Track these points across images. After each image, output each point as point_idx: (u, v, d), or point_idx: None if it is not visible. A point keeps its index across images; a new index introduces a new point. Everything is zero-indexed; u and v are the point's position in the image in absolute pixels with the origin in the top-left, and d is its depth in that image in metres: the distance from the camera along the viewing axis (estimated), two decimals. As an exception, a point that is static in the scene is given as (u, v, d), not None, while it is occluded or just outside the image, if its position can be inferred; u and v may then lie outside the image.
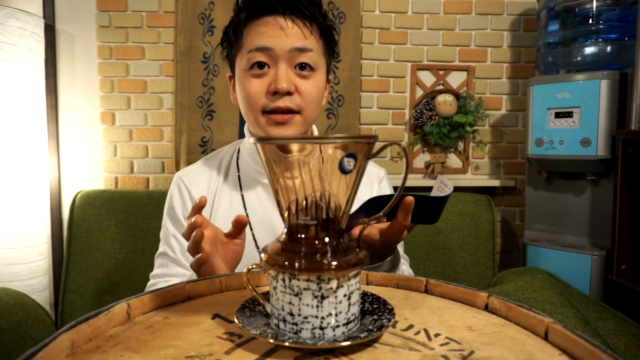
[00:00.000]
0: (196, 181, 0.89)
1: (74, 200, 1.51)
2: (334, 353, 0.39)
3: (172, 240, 0.87)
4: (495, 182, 1.84)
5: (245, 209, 0.85)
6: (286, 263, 0.40)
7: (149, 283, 0.89)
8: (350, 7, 1.79)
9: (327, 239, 0.41)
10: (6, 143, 1.43)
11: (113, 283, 1.43)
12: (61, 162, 1.78)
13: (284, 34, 0.75)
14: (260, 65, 0.76)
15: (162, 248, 0.89)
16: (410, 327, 0.45)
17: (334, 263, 0.39)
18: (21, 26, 1.44)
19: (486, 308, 0.50)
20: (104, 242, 1.46)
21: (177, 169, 1.80)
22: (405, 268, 0.89)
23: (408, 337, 0.43)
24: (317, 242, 0.41)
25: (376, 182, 0.96)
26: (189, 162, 1.70)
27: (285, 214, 0.42)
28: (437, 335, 0.43)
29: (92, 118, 1.80)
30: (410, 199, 0.61)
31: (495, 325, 0.46)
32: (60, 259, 1.69)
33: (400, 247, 0.92)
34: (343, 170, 0.39)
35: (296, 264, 0.39)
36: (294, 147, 0.39)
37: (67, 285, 1.44)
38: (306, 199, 0.40)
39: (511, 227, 1.95)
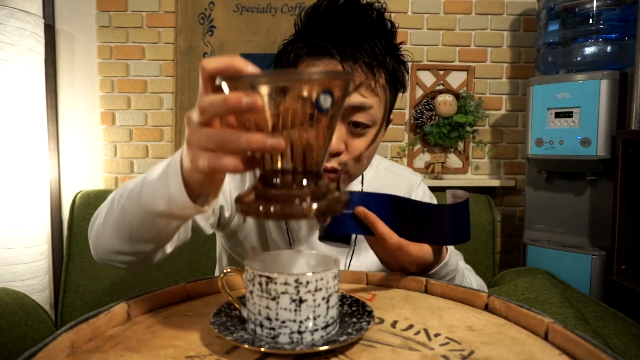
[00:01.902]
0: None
1: (74, 200, 1.51)
2: (334, 353, 0.39)
3: None
4: (495, 182, 1.84)
5: (288, 230, 0.80)
6: (261, 208, 0.37)
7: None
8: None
9: (305, 182, 0.38)
10: (6, 143, 1.43)
11: (113, 283, 1.43)
12: (61, 162, 1.78)
13: None
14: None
15: None
16: (410, 327, 0.45)
17: (314, 206, 0.37)
18: (21, 26, 1.44)
19: (486, 308, 0.50)
20: (104, 242, 1.46)
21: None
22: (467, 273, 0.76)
23: (408, 337, 0.43)
24: (294, 186, 0.38)
25: (413, 189, 0.89)
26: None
27: (258, 157, 0.39)
28: (437, 335, 0.43)
29: (92, 118, 1.80)
30: (361, 209, 0.56)
31: (495, 325, 0.46)
32: (60, 259, 1.69)
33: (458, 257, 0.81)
34: (319, 107, 0.36)
35: (272, 209, 0.36)
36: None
37: (67, 285, 1.43)
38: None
39: (511, 227, 1.95)
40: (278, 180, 0.38)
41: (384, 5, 0.69)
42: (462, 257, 0.84)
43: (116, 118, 1.81)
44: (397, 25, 0.71)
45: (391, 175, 0.89)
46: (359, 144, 0.68)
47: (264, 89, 0.34)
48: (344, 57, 0.64)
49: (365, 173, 0.85)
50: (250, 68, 0.37)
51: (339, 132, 0.67)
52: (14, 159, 1.45)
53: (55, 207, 1.73)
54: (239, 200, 0.39)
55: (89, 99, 1.80)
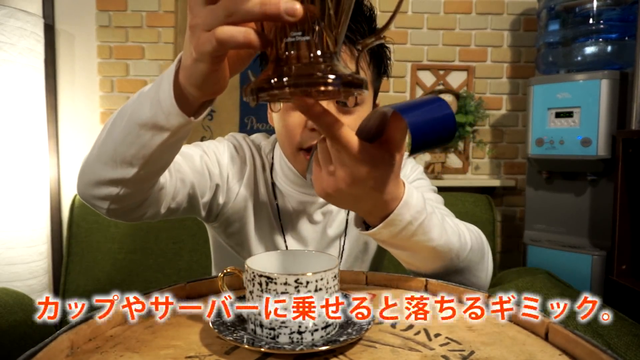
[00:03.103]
0: (238, 166, 0.79)
1: (73, 200, 1.51)
2: (334, 353, 0.39)
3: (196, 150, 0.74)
4: (496, 182, 1.84)
5: (280, 220, 0.79)
6: (273, 81, 0.34)
7: None
8: (350, 7, 1.79)
9: (322, 59, 0.35)
10: (6, 143, 1.43)
11: (113, 283, 1.43)
12: (61, 162, 1.78)
13: None
14: None
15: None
16: (410, 327, 0.45)
17: (331, 77, 0.34)
18: (21, 26, 1.43)
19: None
20: (104, 242, 1.46)
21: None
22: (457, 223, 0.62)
23: (408, 337, 0.42)
24: (311, 60, 0.35)
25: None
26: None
27: (272, 36, 0.36)
28: (437, 335, 0.43)
29: (92, 118, 1.80)
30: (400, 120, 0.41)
31: (496, 325, 0.46)
32: (60, 259, 1.69)
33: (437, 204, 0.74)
34: None
35: (286, 80, 0.34)
36: None
37: (67, 285, 1.43)
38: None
39: (511, 227, 1.95)
40: (292, 54, 0.34)
41: None
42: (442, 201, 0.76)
43: (116, 118, 1.81)
44: (375, 11, 0.71)
45: None
46: (349, 121, 0.68)
47: None
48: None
49: None
50: None
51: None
52: (14, 159, 1.44)
53: (55, 207, 1.73)
54: (248, 85, 0.37)
55: (88, 98, 1.79)
